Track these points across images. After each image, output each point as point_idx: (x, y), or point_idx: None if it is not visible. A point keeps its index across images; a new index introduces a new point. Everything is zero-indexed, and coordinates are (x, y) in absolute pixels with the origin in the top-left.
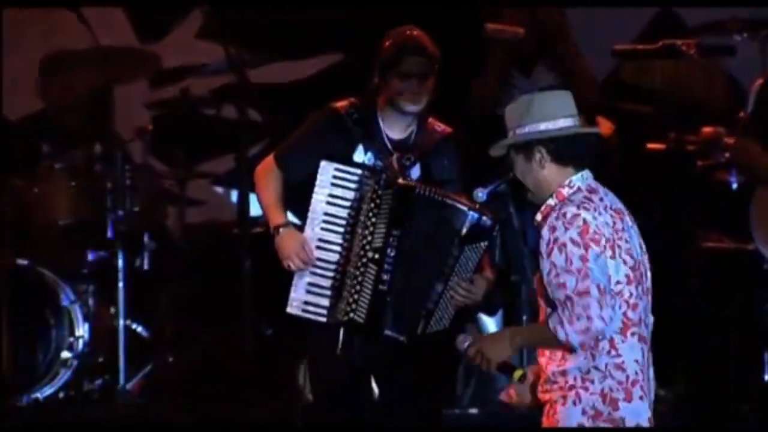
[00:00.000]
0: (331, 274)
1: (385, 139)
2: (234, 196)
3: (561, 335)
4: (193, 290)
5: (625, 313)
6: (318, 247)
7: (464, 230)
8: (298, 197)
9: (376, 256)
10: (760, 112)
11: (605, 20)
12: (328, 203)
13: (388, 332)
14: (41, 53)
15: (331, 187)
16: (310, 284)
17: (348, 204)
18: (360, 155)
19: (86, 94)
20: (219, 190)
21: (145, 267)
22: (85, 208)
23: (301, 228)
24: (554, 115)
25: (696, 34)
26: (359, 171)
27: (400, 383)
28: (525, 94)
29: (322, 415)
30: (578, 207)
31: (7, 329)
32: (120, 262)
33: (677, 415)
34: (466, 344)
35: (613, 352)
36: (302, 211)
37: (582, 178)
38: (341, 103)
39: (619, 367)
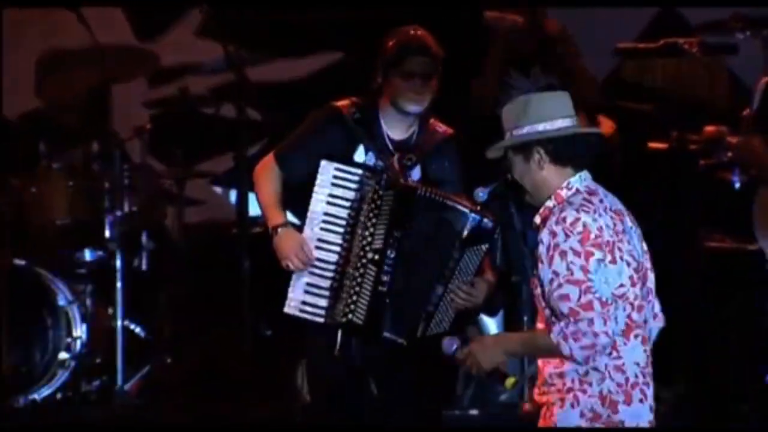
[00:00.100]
0: (330, 274)
1: (387, 140)
2: (233, 195)
3: (565, 350)
4: (191, 290)
5: (629, 315)
6: (317, 248)
7: (465, 232)
8: (297, 197)
9: (376, 257)
10: (765, 109)
11: (606, 20)
12: (328, 203)
13: (387, 334)
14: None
15: (332, 187)
16: (309, 284)
17: (348, 204)
18: (361, 155)
19: (84, 93)
20: (218, 189)
21: (144, 267)
22: (83, 208)
23: (300, 228)
24: (552, 115)
25: (698, 32)
26: (360, 171)
27: (399, 384)
28: (522, 95)
29: (321, 416)
30: (578, 210)
31: (5, 330)
32: (118, 262)
33: (677, 415)
34: (454, 347)
35: (614, 354)
36: (302, 211)
37: (580, 180)
38: (342, 102)
39: (619, 369)
